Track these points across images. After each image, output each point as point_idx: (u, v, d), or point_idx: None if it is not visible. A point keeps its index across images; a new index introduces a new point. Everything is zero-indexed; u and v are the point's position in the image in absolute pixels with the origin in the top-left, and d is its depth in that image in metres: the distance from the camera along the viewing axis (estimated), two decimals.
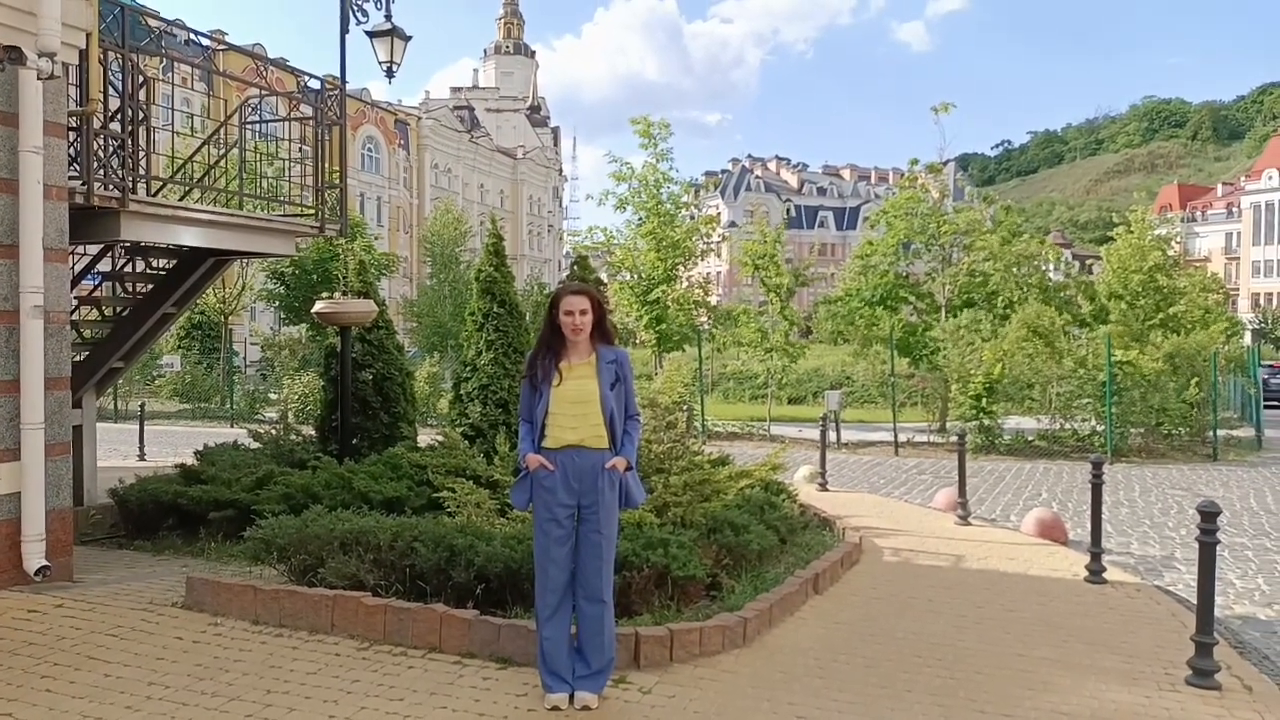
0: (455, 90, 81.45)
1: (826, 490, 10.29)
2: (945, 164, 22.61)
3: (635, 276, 21.00)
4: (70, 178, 6.20)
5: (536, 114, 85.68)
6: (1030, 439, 15.98)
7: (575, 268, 7.66)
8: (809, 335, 23.02)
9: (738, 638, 4.72)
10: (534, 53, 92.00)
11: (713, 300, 24.26)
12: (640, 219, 21.76)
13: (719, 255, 26.93)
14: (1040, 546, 7.67)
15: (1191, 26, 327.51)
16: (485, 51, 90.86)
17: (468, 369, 9.31)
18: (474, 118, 73.54)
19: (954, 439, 16.14)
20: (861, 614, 5.44)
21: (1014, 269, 19.96)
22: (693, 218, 23.01)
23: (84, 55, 6.11)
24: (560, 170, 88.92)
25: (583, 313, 3.77)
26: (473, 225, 49.74)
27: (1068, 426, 16.04)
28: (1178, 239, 26.69)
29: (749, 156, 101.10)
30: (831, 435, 14.03)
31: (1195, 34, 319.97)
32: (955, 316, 18.47)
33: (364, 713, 3.80)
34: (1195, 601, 4.56)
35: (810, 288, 24.10)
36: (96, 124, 6.60)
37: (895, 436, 16.26)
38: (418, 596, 4.97)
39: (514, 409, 8.98)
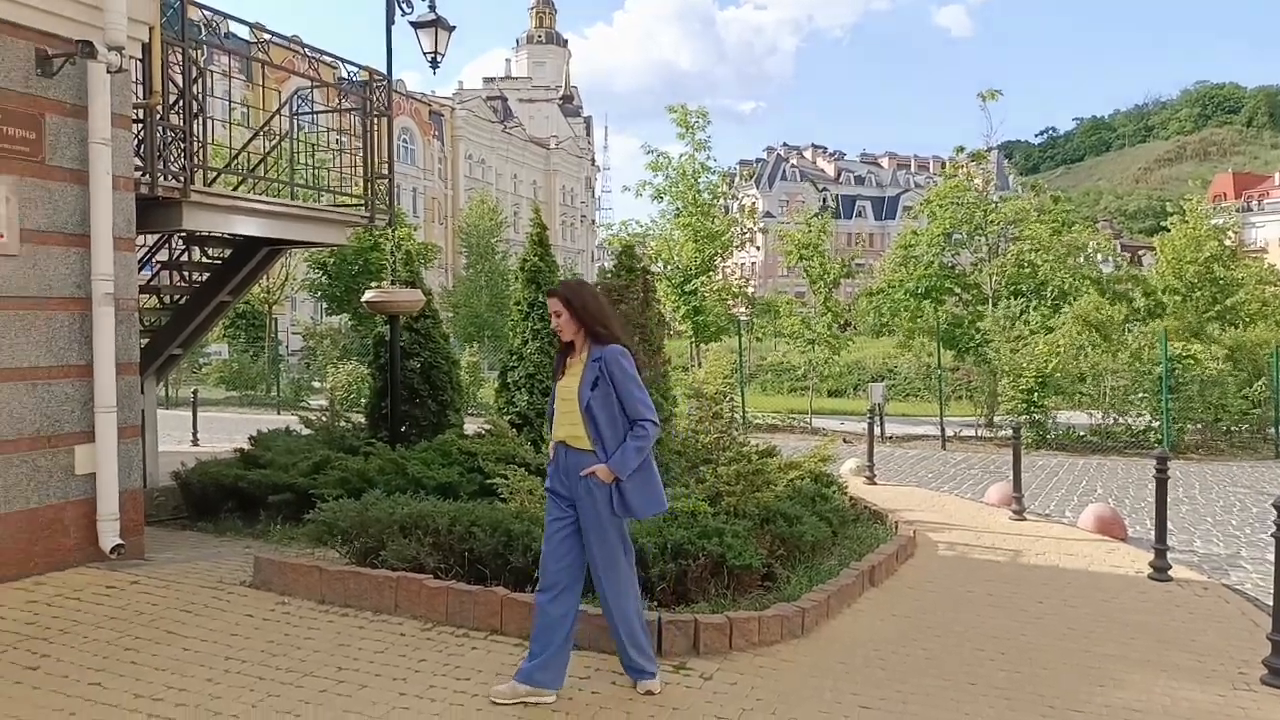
0: (488, 80, 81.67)
1: (874, 484, 10.25)
2: (990, 151, 22.27)
3: (672, 267, 21.00)
4: (134, 169, 6.35)
5: (569, 104, 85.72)
6: (1081, 434, 15.77)
7: (621, 258, 7.69)
8: (848, 327, 22.87)
9: (796, 628, 4.75)
10: (566, 42, 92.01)
11: (749, 291, 24.19)
12: (677, 210, 21.75)
13: (756, 245, 26.82)
14: (1099, 543, 7.59)
15: (1245, 7, 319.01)
16: (518, 41, 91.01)
17: (514, 358, 9.40)
18: (507, 108, 73.75)
19: (1003, 433, 16.09)
20: (919, 607, 5.44)
21: (1066, 260, 19.59)
22: (728, 210, 22.97)
23: (147, 49, 6.25)
24: (593, 160, 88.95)
25: (556, 314, 3.77)
26: (507, 216, 49.99)
27: (1121, 422, 15.78)
28: (1234, 229, 25.99)
29: (784, 145, 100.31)
30: (876, 428, 13.95)
31: (1249, 16, 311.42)
32: (1006, 306, 18.15)
33: (433, 690, 3.89)
34: (1267, 601, 4.49)
35: (849, 280, 23.93)
36: (159, 115, 6.74)
37: (942, 430, 16.13)
38: (477, 579, 5.06)
39: None
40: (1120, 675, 4.40)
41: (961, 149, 21.79)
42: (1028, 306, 18.58)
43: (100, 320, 5.60)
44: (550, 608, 3.81)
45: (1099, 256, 23.43)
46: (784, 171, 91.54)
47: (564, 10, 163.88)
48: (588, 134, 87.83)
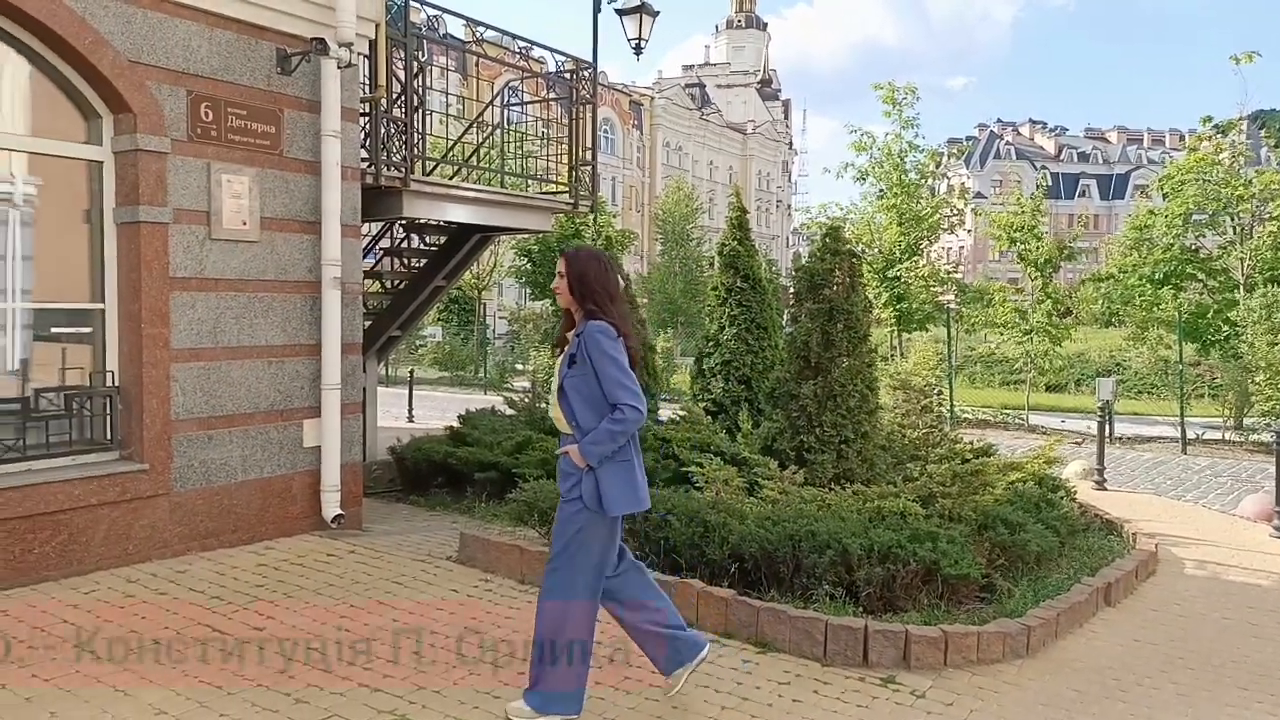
0: (687, 68, 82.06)
1: (1105, 489, 9.29)
2: (1241, 121, 19.66)
3: (875, 252, 20.12)
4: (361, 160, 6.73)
5: (767, 87, 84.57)
6: None
7: (825, 240, 7.32)
8: (1068, 316, 21.03)
9: (1020, 647, 4.29)
10: (766, 25, 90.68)
11: (957, 277, 22.77)
12: (881, 191, 20.82)
13: (966, 229, 25.24)
14: None
15: None
16: (717, 27, 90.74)
17: (710, 344, 9.26)
18: (705, 94, 73.81)
19: (1256, 437, 14.21)
20: (1165, 633, 4.79)
21: None
22: (934, 191, 21.71)
23: (373, 46, 6.58)
24: (790, 144, 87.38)
25: (559, 275, 3.46)
26: (702, 202, 50.08)
27: None
28: None
29: (998, 121, 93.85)
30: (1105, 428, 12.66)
31: None
32: (1264, 294, 15.94)
33: (626, 681, 3.81)
34: None
35: (1069, 264, 21.97)
36: (383, 109, 7.11)
37: (1182, 432, 14.44)
38: (672, 569, 4.97)
39: (756, 385, 8.86)
40: None
41: (1209, 119, 19.31)
42: None
43: (328, 303, 5.97)
44: (624, 614, 3.59)
45: None
46: (998, 149, 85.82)
47: None
48: (785, 117, 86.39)
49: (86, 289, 5.28)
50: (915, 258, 19.84)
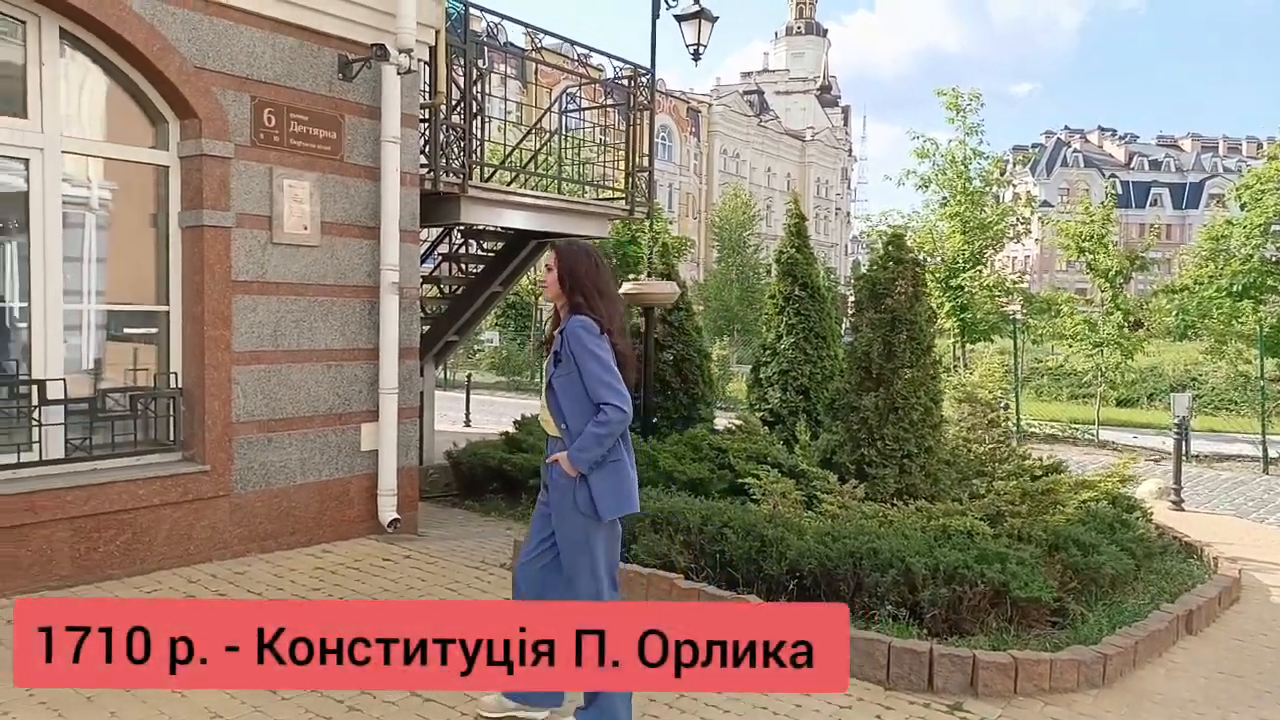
0: (745, 75, 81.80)
1: (1182, 509, 8.88)
2: None
3: (937, 260, 19.68)
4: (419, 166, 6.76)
5: (827, 94, 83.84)
6: None
7: (888, 248, 7.14)
8: (1140, 328, 20.31)
9: (1095, 676, 4.08)
10: (826, 31, 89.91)
11: (1023, 286, 22.16)
12: (944, 199, 20.38)
13: (1034, 238, 24.57)
14: None
15: None
16: (776, 34, 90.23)
17: (767, 353, 9.12)
18: (763, 101, 73.48)
19: None
20: (1252, 664, 4.52)
21: None
22: (999, 199, 21.18)
23: (432, 52, 6.60)
24: (849, 151, 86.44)
25: (547, 269, 3.32)
26: (760, 209, 49.79)
27: None
28: None
29: (1065, 129, 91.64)
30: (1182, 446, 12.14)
31: None
32: None
33: (683, 700, 3.71)
34: None
35: (1141, 275, 21.20)
36: (442, 115, 7.14)
37: (1264, 450, 13.76)
38: (728, 583, 4.85)
39: (814, 395, 8.69)
40: None
41: None
42: None
43: (386, 307, 5.99)
44: (523, 576, 3.44)
45: None
46: (1064, 157, 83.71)
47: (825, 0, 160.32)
48: (845, 124, 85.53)
49: (152, 291, 5.38)
50: (979, 267, 19.36)
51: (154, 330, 5.39)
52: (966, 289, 19.05)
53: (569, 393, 3.18)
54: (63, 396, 4.84)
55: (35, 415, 4.75)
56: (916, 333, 6.15)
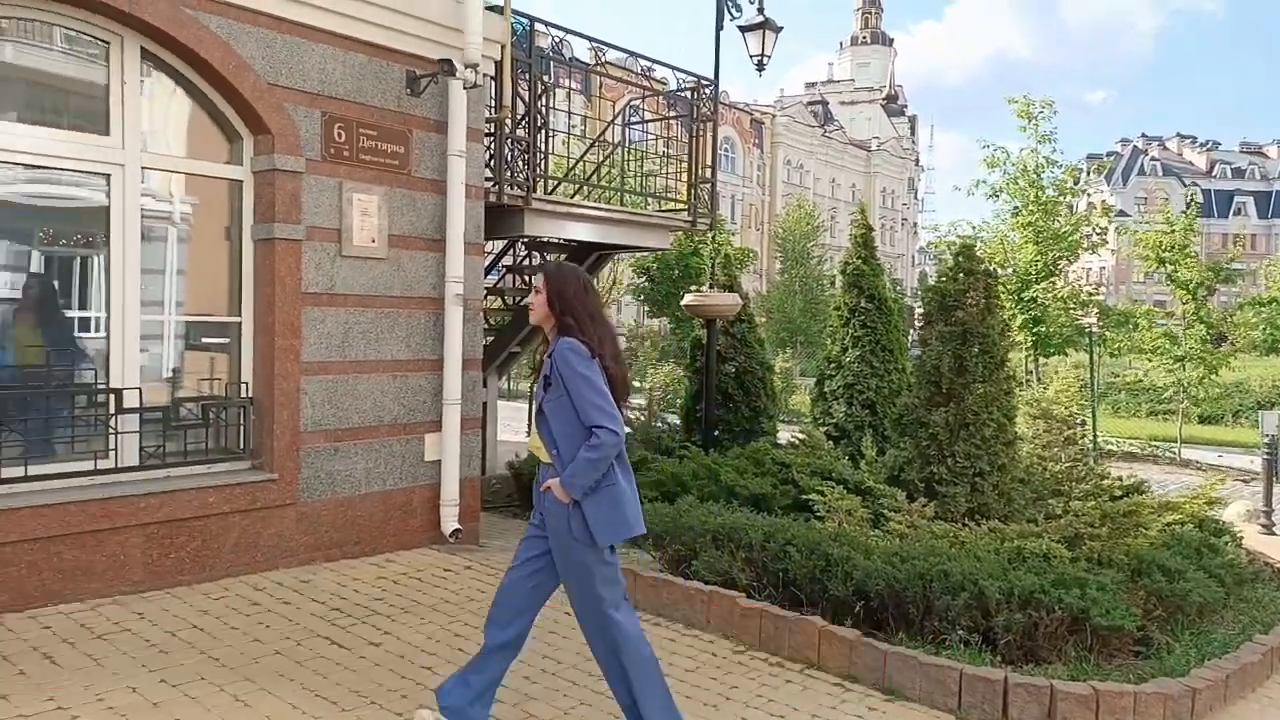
0: (809, 85, 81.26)
1: (1273, 533, 8.43)
2: None
3: (1009, 272, 19.13)
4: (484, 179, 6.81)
5: (893, 103, 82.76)
6: None
7: (959, 259, 6.94)
8: (1223, 342, 19.46)
9: (1183, 711, 3.86)
10: (892, 41, 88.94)
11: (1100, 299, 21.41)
12: (1015, 208, 19.82)
13: (1110, 248, 23.76)
14: None
15: None
16: (840, 44, 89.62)
17: (831, 366, 8.96)
18: (827, 112, 72.86)
19: None
20: None
21: None
22: (1072, 209, 20.52)
23: (498, 66, 6.65)
24: (916, 160, 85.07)
25: (535, 291, 3.24)
26: (824, 220, 49.29)
27: None
28: None
29: (1142, 136, 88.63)
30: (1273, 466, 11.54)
31: None
32: None
33: None
34: None
35: (1225, 287, 20.33)
36: (507, 129, 7.19)
37: None
38: (791, 603, 4.73)
39: (881, 410, 8.49)
40: None
41: None
42: None
43: (450, 319, 6.03)
44: (492, 633, 3.34)
45: None
46: (1142, 165, 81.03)
47: (891, 9, 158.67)
48: (912, 134, 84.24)
49: (226, 302, 5.51)
50: (1053, 278, 18.75)
51: (227, 340, 5.52)
52: (1040, 301, 18.47)
53: (559, 417, 3.11)
54: (138, 405, 4.98)
55: (111, 423, 4.89)
56: (989, 346, 5.95)
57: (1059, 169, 19.71)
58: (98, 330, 5.00)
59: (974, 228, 20.63)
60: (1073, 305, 18.68)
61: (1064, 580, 4.37)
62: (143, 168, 5.04)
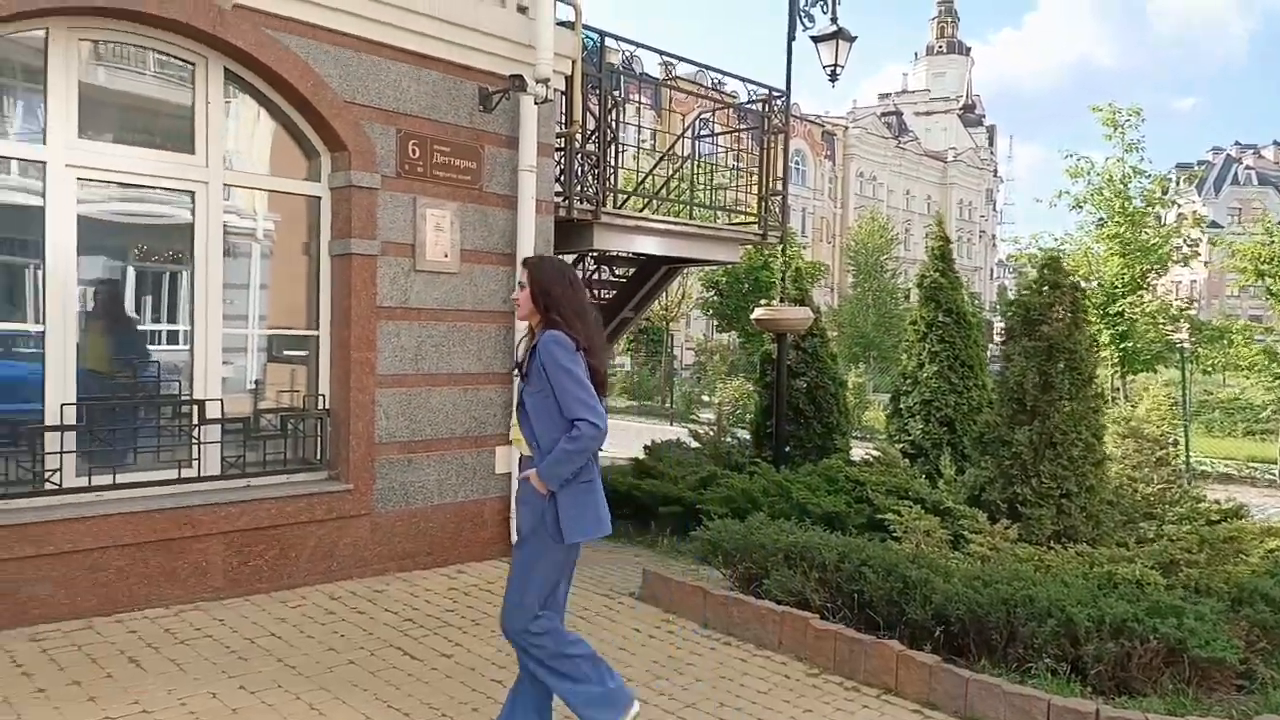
0: (883, 96, 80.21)
1: None
2: None
3: (1094, 285, 18.46)
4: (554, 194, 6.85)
5: (970, 113, 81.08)
6: None
7: (1044, 272, 6.69)
8: None
9: None
10: (969, 50, 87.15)
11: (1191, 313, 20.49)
12: (1100, 220, 19.14)
13: (1203, 260, 22.74)
14: None
15: None
16: (916, 54, 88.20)
17: (908, 381, 8.74)
18: (902, 123, 71.74)
19: None
20: None
21: None
22: (1161, 219, 19.71)
23: (569, 81, 6.70)
24: (994, 171, 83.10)
25: (521, 286, 3.20)
26: (897, 233, 48.47)
27: None
28: None
29: (1236, 144, 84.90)
30: None
31: None
32: None
33: None
34: None
35: None
36: (577, 144, 7.23)
37: None
38: (867, 625, 4.58)
39: (960, 427, 8.23)
40: None
41: None
42: None
43: (520, 333, 6.04)
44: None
45: None
46: (1235, 174, 77.60)
47: (968, 17, 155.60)
48: (990, 144, 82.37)
49: (304, 316, 5.64)
50: (1141, 291, 18.02)
51: (305, 353, 5.64)
52: (1127, 315, 17.76)
53: (540, 410, 3.09)
54: (220, 416, 5.11)
55: (194, 433, 5.03)
56: (1076, 362, 5.72)
57: (1147, 179, 18.99)
58: (183, 343, 5.17)
59: (1056, 240, 19.99)
60: (1162, 320, 17.92)
61: (1159, 609, 4.13)
62: (225, 185, 5.20)
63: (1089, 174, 19.12)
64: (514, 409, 3.26)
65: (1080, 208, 19.39)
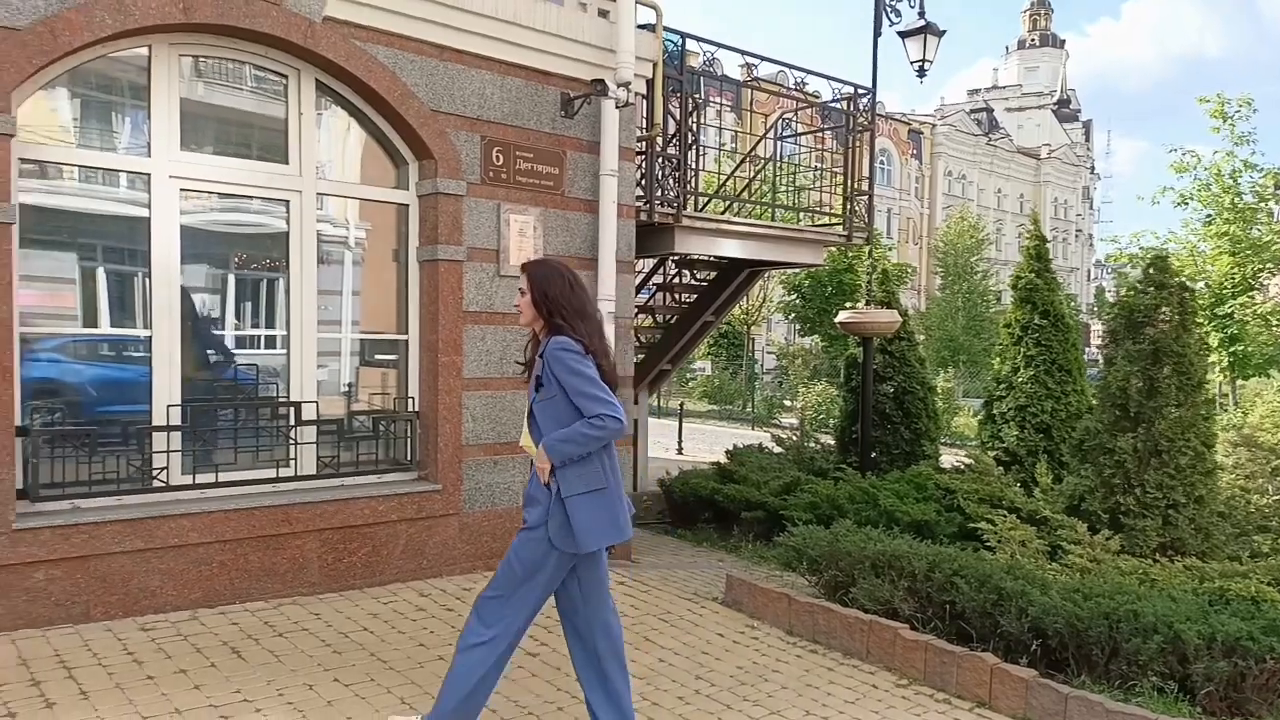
0: (972, 93, 78.02)
1: None
2: None
3: (1201, 286, 17.55)
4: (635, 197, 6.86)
5: (1065, 108, 78.21)
6: None
7: (1150, 272, 6.38)
8: None
9: None
10: (1063, 42, 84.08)
11: None
12: (1208, 217, 18.19)
13: None
14: None
15: None
16: (1007, 48, 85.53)
17: (1001, 386, 8.44)
18: (992, 119, 69.67)
19: None
20: None
21: None
22: (1273, 215, 18.61)
23: (650, 85, 6.71)
24: (1091, 168, 79.91)
25: (521, 292, 3.13)
26: (988, 233, 47.09)
27: None
28: None
29: None
30: None
31: None
32: None
33: None
34: None
35: None
36: (657, 148, 7.24)
37: None
38: (958, 637, 4.44)
39: (1057, 434, 7.90)
40: None
41: None
42: None
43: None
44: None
45: None
46: None
47: (1062, 9, 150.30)
48: (1086, 140, 79.28)
49: (394, 321, 5.78)
50: (1253, 292, 17.04)
51: (395, 357, 5.79)
52: (1237, 317, 16.82)
53: (551, 417, 3.03)
54: (315, 417, 5.28)
55: (292, 434, 5.21)
56: (1185, 366, 5.43)
57: (1259, 173, 17.95)
58: (280, 347, 5.36)
59: (1159, 239, 19.09)
60: (1275, 322, 16.92)
61: (1276, 627, 3.88)
62: (318, 194, 5.38)
63: (1195, 169, 18.20)
64: (525, 416, 3.21)
65: (1185, 204, 18.46)
